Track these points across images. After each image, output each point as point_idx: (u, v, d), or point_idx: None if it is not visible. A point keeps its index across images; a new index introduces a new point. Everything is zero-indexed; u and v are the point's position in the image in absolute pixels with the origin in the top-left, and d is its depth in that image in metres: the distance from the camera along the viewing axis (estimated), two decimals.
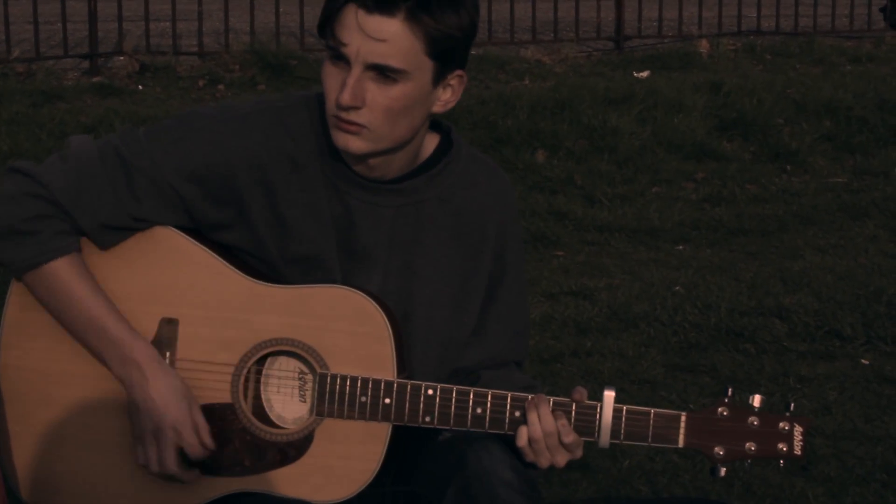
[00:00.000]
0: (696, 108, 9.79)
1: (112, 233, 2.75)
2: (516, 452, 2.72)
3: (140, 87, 10.40)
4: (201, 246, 2.77)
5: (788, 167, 9.36)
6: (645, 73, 11.09)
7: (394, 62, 2.60)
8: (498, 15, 12.13)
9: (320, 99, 2.76)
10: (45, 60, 11.02)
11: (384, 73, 2.61)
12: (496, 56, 11.60)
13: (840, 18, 13.72)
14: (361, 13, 2.58)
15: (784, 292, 6.46)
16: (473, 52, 11.72)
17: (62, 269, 2.72)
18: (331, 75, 2.64)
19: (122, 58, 11.09)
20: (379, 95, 2.62)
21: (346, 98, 2.61)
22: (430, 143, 2.83)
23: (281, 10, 11.58)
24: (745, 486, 4.47)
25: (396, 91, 2.63)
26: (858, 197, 8.62)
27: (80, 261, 2.75)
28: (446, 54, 2.65)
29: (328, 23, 2.62)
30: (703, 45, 12.13)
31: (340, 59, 2.62)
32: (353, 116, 2.63)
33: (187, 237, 2.78)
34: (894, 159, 9.41)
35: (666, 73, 11.04)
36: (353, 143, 2.67)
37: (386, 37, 2.59)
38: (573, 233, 7.87)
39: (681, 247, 7.69)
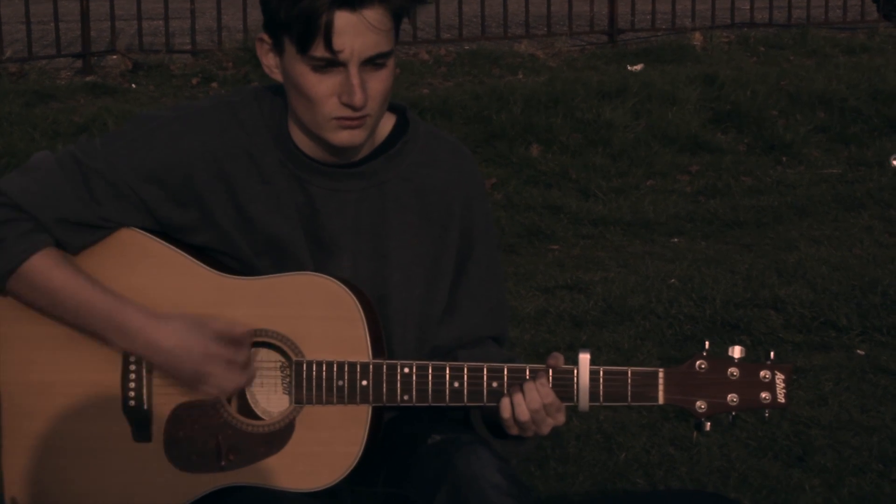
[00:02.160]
0: (690, 101, 9.79)
1: (78, 230, 2.75)
2: (498, 427, 2.73)
3: (133, 85, 10.39)
4: (169, 246, 2.77)
5: (783, 159, 9.36)
6: (639, 67, 11.09)
7: (383, 47, 2.63)
8: (491, 10, 12.12)
9: (269, 92, 2.79)
10: (38, 60, 11.02)
11: (376, 60, 2.63)
12: (490, 51, 11.60)
13: (833, 10, 13.72)
14: (346, 14, 2.59)
15: (779, 284, 6.46)
16: (467, 47, 11.76)
17: (38, 265, 2.71)
18: (318, 83, 2.64)
19: (114, 57, 11.08)
20: (377, 83, 2.65)
21: (360, 99, 2.62)
22: (387, 123, 2.84)
23: None
24: (741, 478, 4.47)
25: (386, 72, 2.67)
26: (853, 188, 8.62)
27: (56, 252, 2.74)
28: (401, 20, 2.70)
29: (309, 40, 2.60)
30: (697, 38, 12.12)
31: (331, 65, 2.62)
32: (360, 112, 2.65)
33: (154, 238, 2.78)
34: (888, 150, 9.40)
35: (660, 66, 11.03)
36: (357, 137, 2.69)
37: (372, 27, 2.60)
38: (568, 226, 7.86)
39: (676, 239, 7.69)
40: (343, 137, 2.68)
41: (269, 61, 2.71)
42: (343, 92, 2.62)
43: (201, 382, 2.70)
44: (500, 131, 9.02)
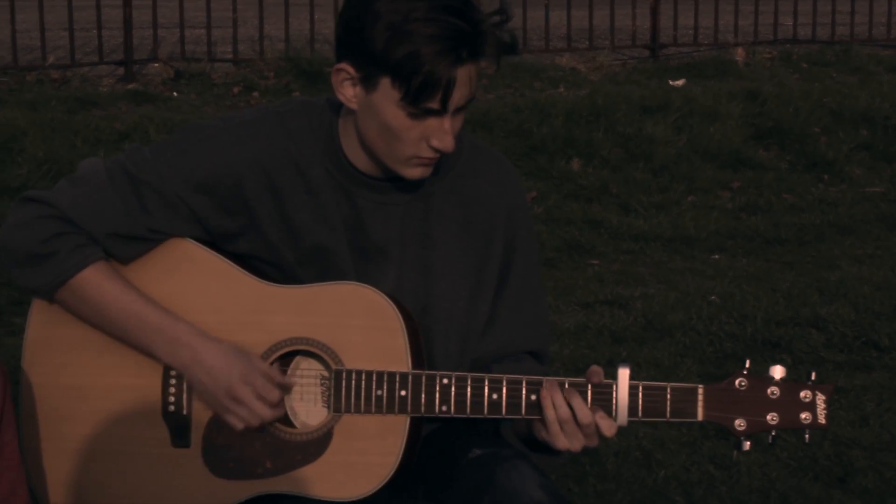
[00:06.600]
0: (732, 117, 9.75)
1: (128, 243, 2.76)
2: (530, 440, 2.71)
3: (175, 93, 10.42)
4: (212, 252, 2.78)
5: (825, 176, 9.31)
6: (680, 82, 11.04)
7: (472, 93, 2.66)
8: (533, 23, 12.11)
9: (318, 104, 2.79)
10: (81, 67, 11.07)
11: (462, 107, 2.66)
12: (531, 64, 11.58)
13: (877, 27, 13.64)
14: (460, 69, 2.59)
15: (821, 302, 6.41)
16: (507, 60, 11.73)
17: (89, 278, 2.73)
18: (411, 128, 2.62)
19: (156, 64, 11.12)
20: (457, 124, 2.68)
21: (450, 145, 2.64)
22: None
23: (316, 17, 11.59)
24: (781, 498, 4.44)
25: (464, 114, 2.70)
26: (895, 207, 8.57)
27: (106, 266, 2.76)
28: None
29: (426, 95, 2.58)
30: (740, 54, 12.07)
31: (430, 114, 2.62)
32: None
33: (198, 245, 2.79)
34: None
35: (702, 82, 10.99)
36: (429, 172, 2.72)
37: (473, 78, 2.63)
38: (608, 241, 7.84)
39: (716, 256, 7.65)
40: (417, 173, 2.70)
41: (348, 92, 2.66)
42: (434, 136, 2.63)
43: (230, 404, 2.70)
44: (541, 145, 9.00)
